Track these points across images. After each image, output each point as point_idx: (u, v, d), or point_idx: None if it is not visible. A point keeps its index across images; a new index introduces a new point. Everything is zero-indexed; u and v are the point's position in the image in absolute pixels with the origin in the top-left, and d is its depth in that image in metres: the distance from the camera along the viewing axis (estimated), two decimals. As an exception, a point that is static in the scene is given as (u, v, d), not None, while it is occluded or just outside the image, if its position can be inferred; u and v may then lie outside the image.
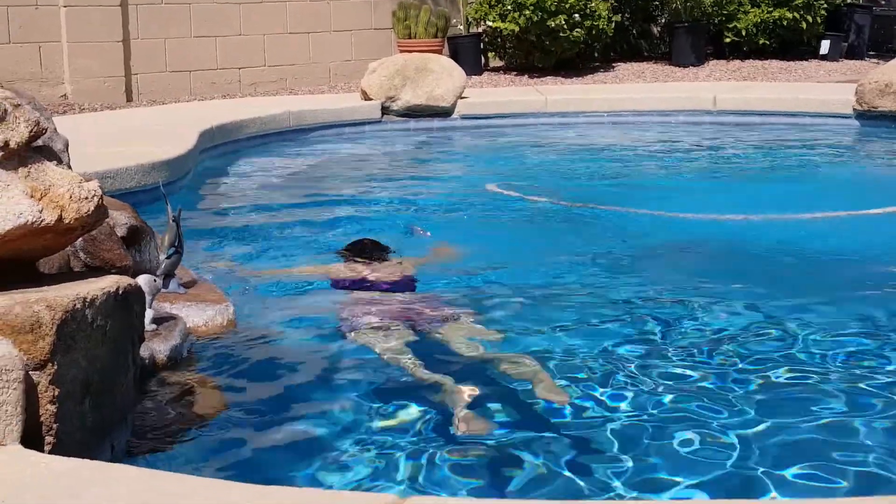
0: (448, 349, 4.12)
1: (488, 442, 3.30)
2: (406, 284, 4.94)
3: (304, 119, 9.80)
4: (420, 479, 3.06)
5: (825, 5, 14.41)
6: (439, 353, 4.06)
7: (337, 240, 5.89)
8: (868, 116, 9.74)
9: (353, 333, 4.24)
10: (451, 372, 3.81)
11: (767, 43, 14.40)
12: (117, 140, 7.76)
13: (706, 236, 6.27)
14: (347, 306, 4.58)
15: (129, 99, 11.41)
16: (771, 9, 14.20)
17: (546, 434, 3.37)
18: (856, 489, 3.00)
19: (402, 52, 12.16)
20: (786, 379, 3.82)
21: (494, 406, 3.57)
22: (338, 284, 4.95)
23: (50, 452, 2.61)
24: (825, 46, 14.51)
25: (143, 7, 11.50)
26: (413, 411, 3.54)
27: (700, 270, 5.48)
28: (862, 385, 3.74)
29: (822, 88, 11.51)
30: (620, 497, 2.97)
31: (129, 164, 6.62)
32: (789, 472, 3.08)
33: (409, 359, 3.95)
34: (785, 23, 14.18)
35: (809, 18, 14.22)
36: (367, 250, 5.26)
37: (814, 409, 3.54)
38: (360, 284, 4.91)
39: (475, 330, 4.32)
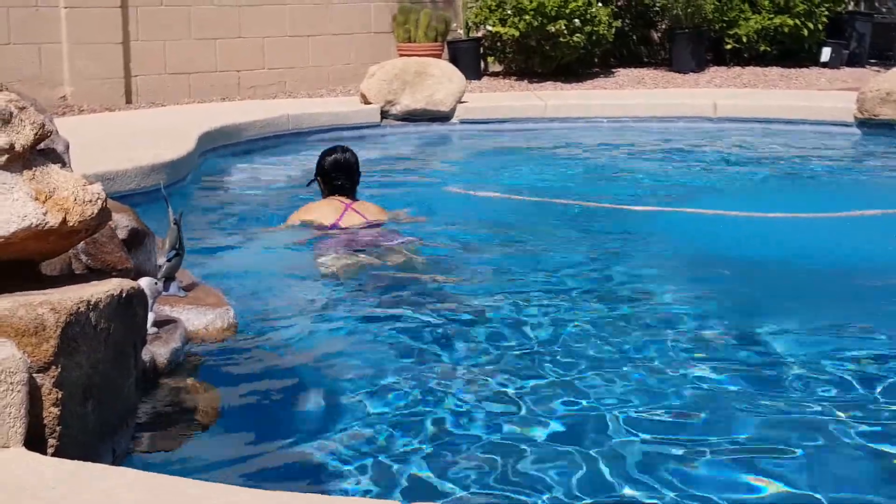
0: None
1: (494, 445, 3.30)
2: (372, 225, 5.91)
3: (303, 122, 9.79)
4: (425, 483, 3.06)
5: (826, 13, 14.42)
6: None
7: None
8: (869, 124, 9.74)
9: (320, 260, 5.37)
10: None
11: (768, 50, 14.41)
12: (117, 142, 7.75)
13: (694, 234, 6.33)
14: (322, 245, 5.65)
15: (129, 101, 11.40)
16: (772, 16, 14.21)
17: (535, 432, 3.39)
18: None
19: (401, 55, 12.16)
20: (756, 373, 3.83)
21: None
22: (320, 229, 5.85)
23: (52, 455, 2.60)
24: (826, 54, 14.52)
25: (142, 9, 11.49)
26: (418, 416, 3.53)
27: (671, 265, 5.60)
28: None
29: (822, 96, 11.52)
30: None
31: (129, 166, 6.60)
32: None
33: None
34: (786, 30, 14.19)
35: (811, 25, 14.23)
36: (340, 173, 6.02)
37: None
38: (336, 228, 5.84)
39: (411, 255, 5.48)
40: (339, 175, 6.00)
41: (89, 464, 2.52)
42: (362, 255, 5.52)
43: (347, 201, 5.98)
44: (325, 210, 5.96)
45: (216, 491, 2.37)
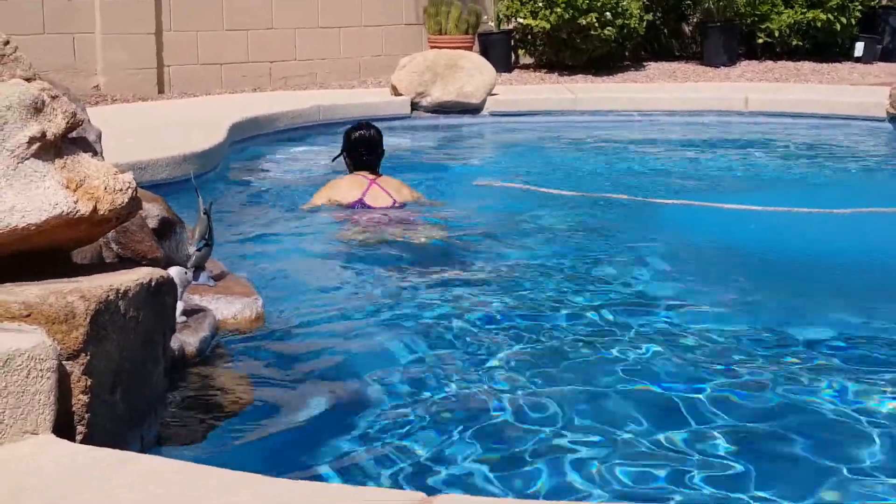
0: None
1: (521, 439, 3.30)
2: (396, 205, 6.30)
3: (334, 113, 9.82)
4: (450, 475, 3.06)
5: (860, 7, 14.31)
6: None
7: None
8: (901, 120, 9.67)
9: (350, 233, 5.82)
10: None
11: (801, 44, 14.32)
12: (149, 132, 7.80)
13: (723, 229, 6.31)
14: (349, 219, 6.09)
15: (161, 91, 11.46)
16: (805, 10, 14.12)
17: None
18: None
19: (432, 47, 12.16)
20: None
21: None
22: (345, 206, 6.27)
23: (81, 442, 2.62)
24: (859, 48, 14.41)
25: (175, -1, 11.57)
26: (445, 406, 3.53)
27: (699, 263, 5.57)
28: None
29: (855, 91, 11.43)
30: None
31: (160, 155, 6.65)
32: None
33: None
34: (819, 24, 14.09)
35: (844, 20, 14.12)
36: (365, 148, 6.48)
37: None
38: (361, 206, 6.26)
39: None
40: (363, 150, 6.46)
41: (115, 451, 2.53)
42: (389, 237, 5.77)
43: (371, 176, 6.38)
44: (350, 186, 6.36)
45: (238, 479, 2.38)
